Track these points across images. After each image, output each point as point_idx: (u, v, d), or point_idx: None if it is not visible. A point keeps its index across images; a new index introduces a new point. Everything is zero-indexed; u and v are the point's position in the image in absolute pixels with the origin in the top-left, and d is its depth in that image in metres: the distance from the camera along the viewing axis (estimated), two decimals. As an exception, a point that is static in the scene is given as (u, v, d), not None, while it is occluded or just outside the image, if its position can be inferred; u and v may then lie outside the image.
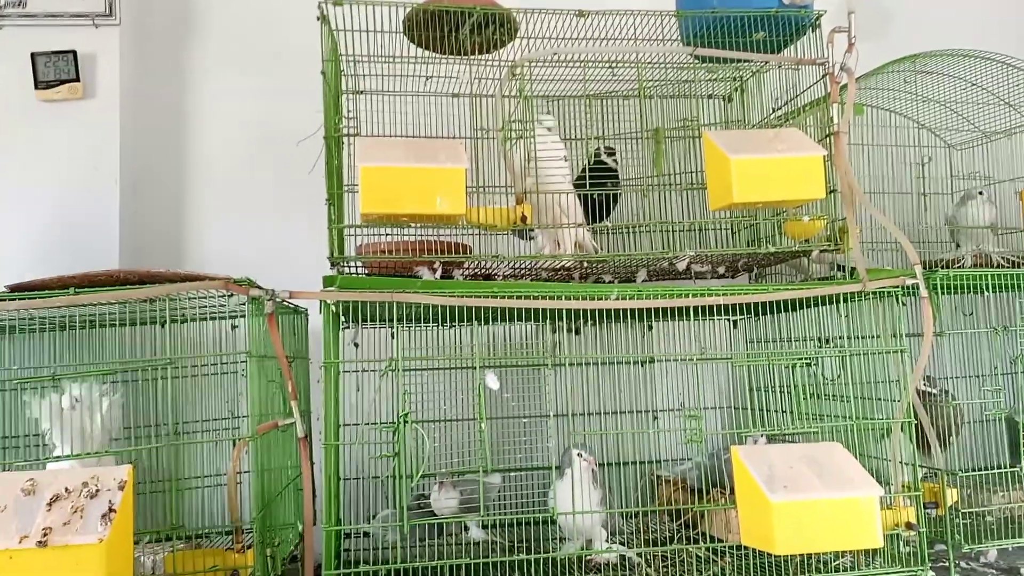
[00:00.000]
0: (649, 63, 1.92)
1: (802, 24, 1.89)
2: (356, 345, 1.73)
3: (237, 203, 2.18)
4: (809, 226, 1.77)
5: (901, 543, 1.57)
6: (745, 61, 1.88)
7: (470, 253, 1.69)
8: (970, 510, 1.72)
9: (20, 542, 1.12)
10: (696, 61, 1.94)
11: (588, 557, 1.62)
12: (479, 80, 1.92)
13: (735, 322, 2.12)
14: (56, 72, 1.91)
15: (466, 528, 1.71)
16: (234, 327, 1.73)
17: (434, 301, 1.50)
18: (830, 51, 1.78)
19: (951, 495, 1.65)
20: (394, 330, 1.50)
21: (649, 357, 2.09)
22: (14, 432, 1.60)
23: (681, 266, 1.75)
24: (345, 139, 1.73)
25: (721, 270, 1.88)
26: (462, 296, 1.51)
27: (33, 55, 1.92)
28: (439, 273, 1.65)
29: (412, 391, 1.55)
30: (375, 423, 1.53)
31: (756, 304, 1.69)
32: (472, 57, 1.89)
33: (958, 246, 2.10)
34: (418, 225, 1.67)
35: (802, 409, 1.63)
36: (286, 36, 2.15)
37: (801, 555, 1.53)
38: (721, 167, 1.60)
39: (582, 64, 1.90)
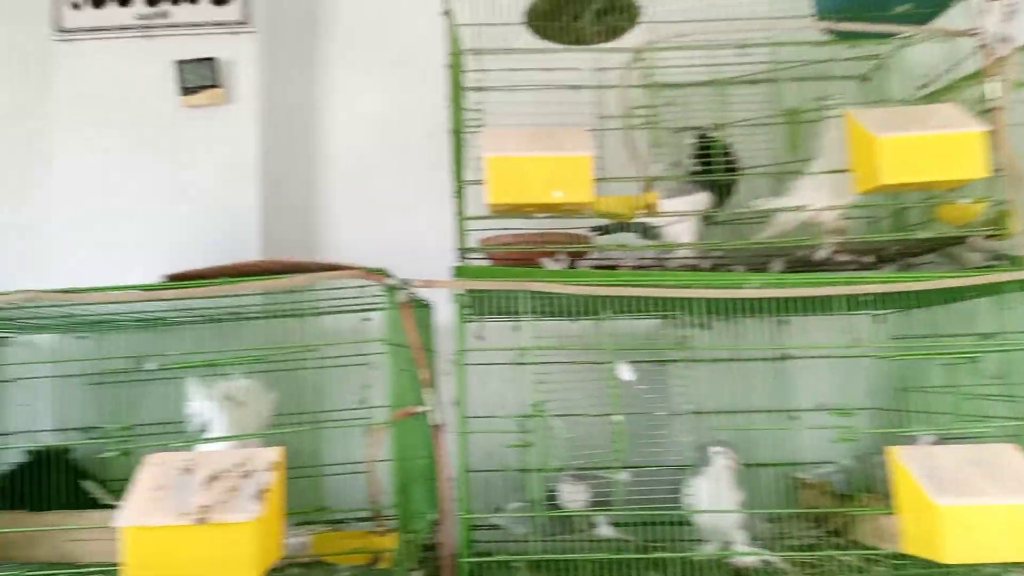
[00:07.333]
0: (782, 43, 1.83)
1: (952, -7, 1.75)
2: (481, 339, 1.73)
3: (363, 198, 2.22)
4: (967, 210, 1.63)
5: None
6: (888, 36, 1.76)
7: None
8: None
9: (179, 519, 1.14)
10: (833, 37, 1.84)
11: (729, 560, 1.55)
12: (601, 70, 1.89)
13: (882, 317, 1.98)
14: (199, 78, 2.01)
15: (592, 525, 1.67)
16: (365, 320, 1.76)
17: (568, 290, 1.48)
18: (986, 20, 1.64)
19: None
20: (522, 320, 1.49)
21: (786, 353, 1.98)
22: (171, 418, 1.66)
23: (822, 255, 1.65)
24: (470, 132, 1.74)
25: (867, 260, 1.76)
26: (598, 284, 1.47)
27: (178, 63, 2.02)
28: (564, 265, 1.64)
29: (541, 383, 1.53)
30: (507, 415, 1.52)
31: (907, 295, 1.56)
32: (594, 46, 1.87)
33: None
34: (543, 216, 1.66)
35: (964, 409, 1.50)
36: (410, 32, 2.17)
37: (966, 567, 1.40)
38: (865, 147, 1.50)
39: (709, 48, 1.83)
